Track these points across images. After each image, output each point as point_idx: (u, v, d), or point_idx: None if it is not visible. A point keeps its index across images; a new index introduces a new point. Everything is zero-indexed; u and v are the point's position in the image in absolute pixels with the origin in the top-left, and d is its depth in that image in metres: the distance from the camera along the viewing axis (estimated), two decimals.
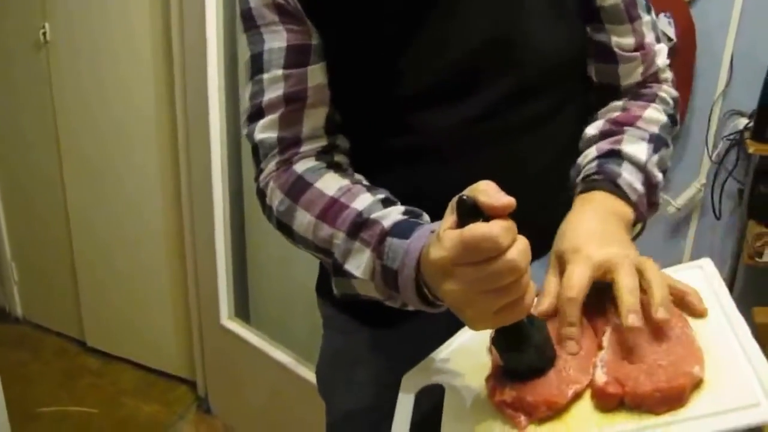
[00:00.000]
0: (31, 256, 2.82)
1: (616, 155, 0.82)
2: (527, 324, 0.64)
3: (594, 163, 0.83)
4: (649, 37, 0.89)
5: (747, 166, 2.18)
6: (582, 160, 0.86)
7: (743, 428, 0.55)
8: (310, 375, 1.94)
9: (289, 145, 0.83)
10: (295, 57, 0.82)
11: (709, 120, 2.18)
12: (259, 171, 0.85)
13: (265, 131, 0.83)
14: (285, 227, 0.81)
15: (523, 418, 0.63)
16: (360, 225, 0.73)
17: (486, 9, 0.81)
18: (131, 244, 2.45)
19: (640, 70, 0.89)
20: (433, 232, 0.64)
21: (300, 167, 0.81)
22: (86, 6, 2.25)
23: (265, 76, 0.82)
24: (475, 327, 0.63)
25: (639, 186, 0.81)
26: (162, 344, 2.52)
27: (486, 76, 0.82)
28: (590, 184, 0.81)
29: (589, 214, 0.77)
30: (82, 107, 2.37)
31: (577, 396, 0.63)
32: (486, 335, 0.72)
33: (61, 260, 2.65)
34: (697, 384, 0.59)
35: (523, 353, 0.65)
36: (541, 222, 0.84)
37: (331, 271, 0.77)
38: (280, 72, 0.81)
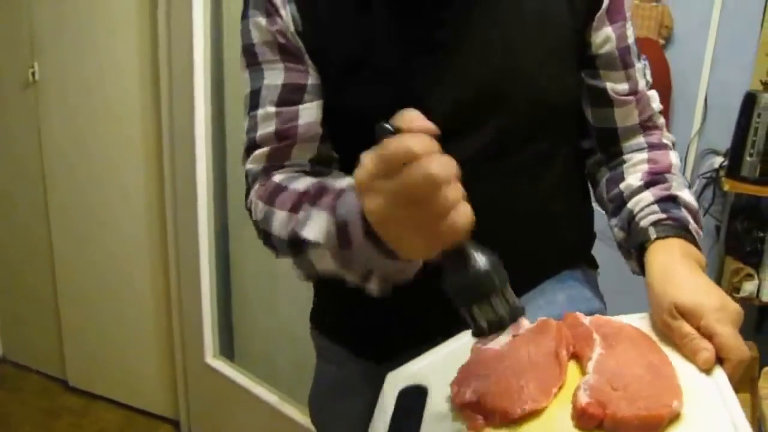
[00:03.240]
0: (13, 295, 2.80)
1: (673, 201, 0.84)
2: (471, 250, 0.62)
3: (656, 207, 0.84)
4: (641, 83, 0.92)
5: (723, 203, 2.24)
6: (634, 206, 0.86)
7: None
8: (295, 413, 1.93)
9: (273, 170, 0.86)
10: (289, 95, 0.85)
11: (686, 159, 2.24)
12: (246, 196, 0.88)
13: (254, 162, 0.86)
14: (266, 235, 0.81)
15: (480, 420, 0.66)
16: (320, 193, 0.73)
17: (484, 57, 0.83)
18: (115, 283, 2.44)
19: (636, 113, 0.92)
20: None
21: (278, 177, 0.84)
22: (75, 45, 2.27)
23: (260, 112, 0.85)
24: (410, 253, 0.62)
25: (699, 230, 0.84)
26: (145, 383, 2.49)
27: (480, 120, 0.84)
28: (665, 230, 0.81)
29: (688, 263, 0.77)
30: (70, 146, 2.38)
31: (534, 414, 0.66)
32: (464, 347, 0.74)
33: (44, 299, 2.63)
34: (675, 417, 0.62)
35: (466, 278, 0.62)
36: (527, 262, 0.87)
37: (292, 253, 0.77)
38: (273, 109, 0.84)
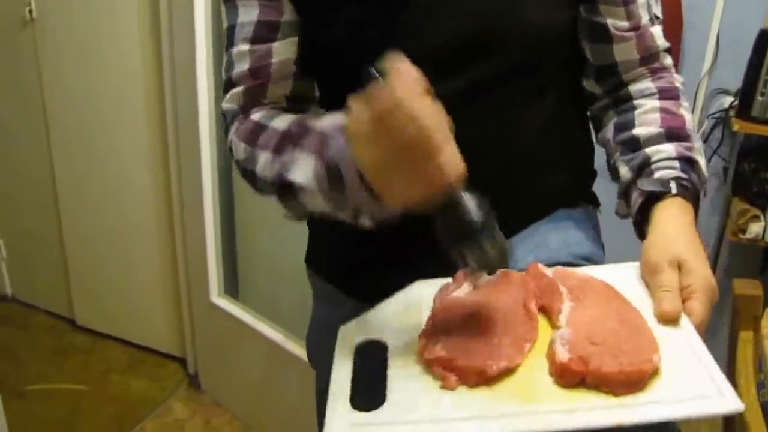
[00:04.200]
0: (20, 233, 2.81)
1: (693, 165, 0.84)
2: (461, 194, 0.64)
3: (677, 164, 0.83)
4: (644, 19, 0.89)
5: (732, 144, 2.21)
6: (654, 154, 0.85)
7: (699, 416, 0.58)
8: (299, 351, 1.95)
9: (249, 109, 0.86)
10: (263, 32, 0.84)
11: (695, 98, 2.20)
12: (225, 136, 0.88)
13: (230, 102, 0.87)
14: (249, 174, 0.82)
15: (454, 378, 0.65)
16: (301, 134, 0.74)
17: None
18: (119, 222, 2.45)
19: (635, 49, 0.90)
20: None
21: (256, 115, 0.84)
22: None
23: (234, 50, 0.85)
24: (401, 198, 0.64)
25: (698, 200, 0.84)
26: (152, 322, 2.52)
27: (469, 55, 0.82)
28: (683, 191, 0.81)
29: (692, 225, 0.79)
30: (70, 84, 2.35)
31: (510, 370, 0.65)
32: (426, 295, 0.75)
33: (50, 238, 2.65)
34: (655, 372, 0.62)
35: (456, 221, 0.65)
36: (520, 200, 0.86)
37: (280, 196, 0.78)
38: (246, 47, 0.84)
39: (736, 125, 2.02)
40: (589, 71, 0.93)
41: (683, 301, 0.70)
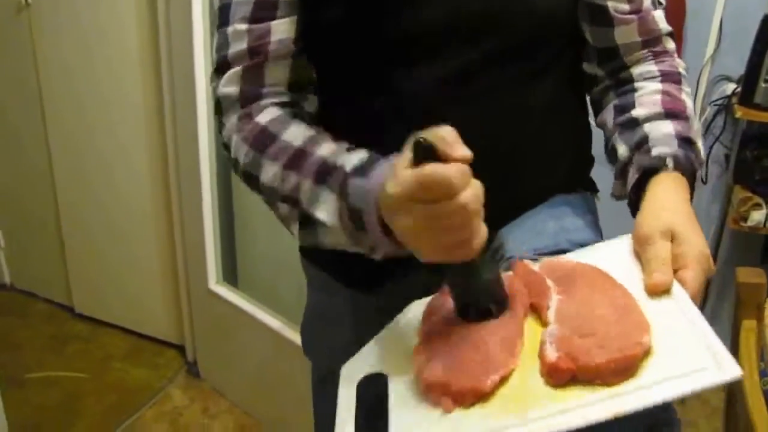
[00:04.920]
0: (18, 222, 2.80)
1: (691, 145, 0.82)
2: (478, 264, 0.68)
3: (675, 141, 0.81)
4: (647, 2, 0.88)
5: (734, 131, 2.20)
6: (652, 130, 0.84)
7: (694, 392, 0.56)
8: (298, 338, 1.93)
9: (250, 98, 0.83)
10: (261, 11, 0.82)
11: (698, 85, 2.19)
12: (221, 125, 0.86)
13: (227, 85, 0.84)
14: (252, 178, 0.81)
15: (449, 401, 0.64)
16: (325, 171, 0.74)
17: None
18: (117, 210, 2.43)
19: (637, 32, 0.88)
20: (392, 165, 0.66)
21: (263, 118, 0.82)
22: None
23: (230, 29, 0.83)
24: (424, 258, 0.65)
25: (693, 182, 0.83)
26: (150, 309, 2.52)
27: (468, 35, 0.81)
28: (680, 168, 0.80)
29: (689, 207, 0.77)
30: (66, 71, 2.33)
31: (504, 379, 0.64)
32: (415, 321, 0.75)
33: (48, 227, 2.63)
34: (647, 353, 0.61)
35: (471, 289, 0.70)
36: (516, 185, 0.84)
37: (297, 221, 0.78)
38: (244, 26, 0.82)
39: (739, 112, 2.01)
40: (590, 54, 0.92)
41: (676, 272, 0.68)
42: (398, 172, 0.62)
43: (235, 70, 0.83)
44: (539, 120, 0.88)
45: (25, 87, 2.46)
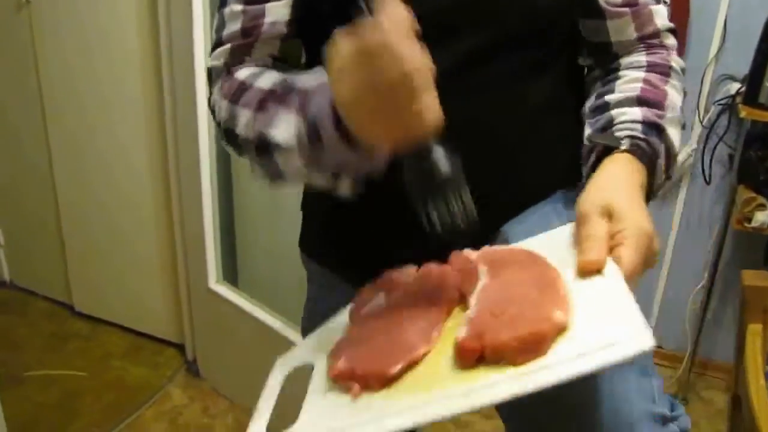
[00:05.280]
0: (18, 220, 2.79)
1: (659, 132, 0.79)
2: (432, 154, 0.63)
3: (639, 126, 0.79)
4: None
5: (738, 131, 2.18)
6: (618, 116, 0.81)
7: (603, 367, 0.52)
8: (298, 338, 1.94)
9: (235, 66, 0.84)
10: None
11: (701, 84, 2.17)
12: (210, 94, 0.87)
13: (216, 59, 0.85)
14: (230, 135, 0.80)
15: (357, 387, 0.63)
16: (285, 92, 0.72)
17: None
18: (118, 209, 2.43)
19: (632, 26, 0.86)
20: None
21: (241, 74, 0.82)
22: None
23: (227, 9, 0.84)
24: (376, 139, 0.63)
25: (663, 176, 0.79)
26: (150, 308, 2.51)
27: (467, 23, 0.79)
28: (634, 150, 0.77)
29: (639, 190, 0.73)
30: (66, 69, 2.32)
31: (413, 364, 0.62)
32: None
33: (48, 225, 2.63)
34: (561, 330, 0.57)
35: (424, 170, 0.64)
36: (516, 181, 0.83)
37: (258, 155, 0.76)
38: (239, 7, 0.83)
39: (743, 112, 1.99)
40: (584, 49, 0.91)
41: (612, 249, 0.64)
42: (336, 38, 0.61)
43: (225, 47, 0.84)
44: (539, 115, 0.87)
45: (25, 85, 2.45)
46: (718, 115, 2.21)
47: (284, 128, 0.70)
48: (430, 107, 0.61)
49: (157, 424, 2.17)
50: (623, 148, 0.76)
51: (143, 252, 2.44)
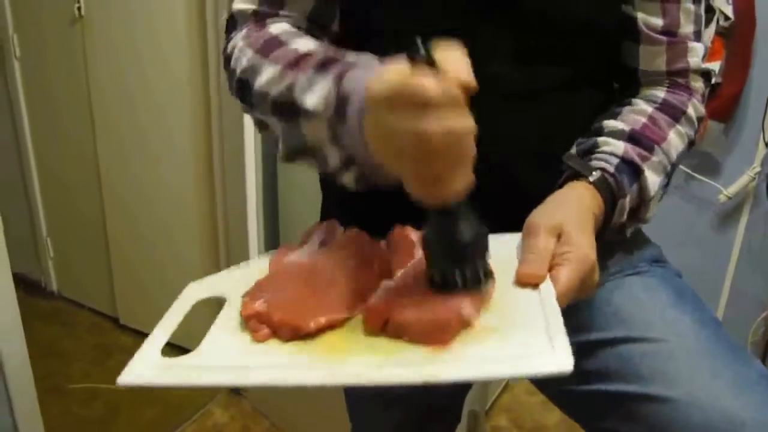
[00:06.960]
0: (66, 232, 2.83)
1: (636, 174, 0.76)
2: (454, 218, 0.59)
3: (616, 162, 0.76)
4: (686, 29, 0.80)
5: None
6: (602, 145, 0.78)
7: (520, 376, 0.54)
8: None
9: (265, 16, 0.79)
10: None
11: (766, 104, 2.08)
12: (228, 40, 0.80)
13: (244, 2, 0.80)
14: (244, 87, 0.74)
15: (265, 331, 0.62)
16: (328, 62, 0.67)
17: None
18: (164, 224, 2.44)
19: (664, 59, 0.81)
20: None
21: (276, 29, 0.76)
22: None
23: None
24: (392, 173, 0.58)
25: (624, 216, 0.77)
26: (194, 324, 2.49)
27: (488, 34, 0.75)
28: (600, 182, 0.74)
29: (591, 211, 0.72)
30: (117, 82, 2.35)
31: (331, 325, 0.62)
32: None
33: (95, 238, 2.66)
34: (465, 325, 0.58)
35: (440, 247, 0.61)
36: (530, 196, 0.78)
37: (274, 114, 0.71)
38: None
39: None
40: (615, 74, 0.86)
41: (552, 267, 0.64)
42: (386, 70, 0.55)
43: None
44: (573, 131, 0.82)
45: (77, 98, 2.48)
46: None
47: (317, 93, 0.65)
48: (465, 173, 0.56)
49: None
50: (591, 179, 0.74)
51: (188, 269, 2.44)
